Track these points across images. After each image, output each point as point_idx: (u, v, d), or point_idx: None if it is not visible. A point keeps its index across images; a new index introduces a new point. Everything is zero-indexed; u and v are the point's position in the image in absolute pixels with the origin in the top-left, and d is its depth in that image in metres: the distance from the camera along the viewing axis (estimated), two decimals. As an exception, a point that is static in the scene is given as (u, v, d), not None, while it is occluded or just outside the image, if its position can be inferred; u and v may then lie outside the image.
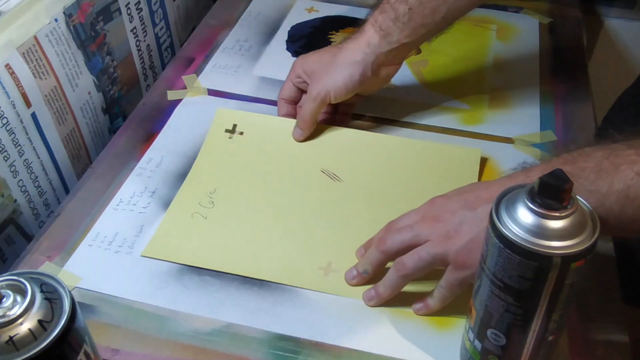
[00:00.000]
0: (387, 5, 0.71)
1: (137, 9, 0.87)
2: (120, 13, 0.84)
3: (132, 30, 0.87)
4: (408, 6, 0.69)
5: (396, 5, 0.70)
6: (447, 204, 0.56)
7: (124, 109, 0.87)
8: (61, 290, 0.41)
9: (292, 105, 0.78)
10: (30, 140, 0.69)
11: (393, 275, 0.57)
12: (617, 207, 0.48)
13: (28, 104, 0.68)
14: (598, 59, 0.91)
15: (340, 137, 0.76)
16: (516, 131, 0.77)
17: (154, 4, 0.91)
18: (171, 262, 0.63)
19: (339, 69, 0.72)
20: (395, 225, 0.59)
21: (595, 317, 0.58)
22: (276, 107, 0.79)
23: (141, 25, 0.89)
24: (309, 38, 0.94)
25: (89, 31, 0.77)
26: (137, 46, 0.89)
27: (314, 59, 0.74)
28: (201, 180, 0.71)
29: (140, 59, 0.90)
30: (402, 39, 0.71)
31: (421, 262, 0.55)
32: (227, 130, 0.76)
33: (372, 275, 0.59)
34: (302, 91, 0.77)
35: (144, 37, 0.90)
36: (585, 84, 0.85)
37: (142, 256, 0.63)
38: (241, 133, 0.76)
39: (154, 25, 0.93)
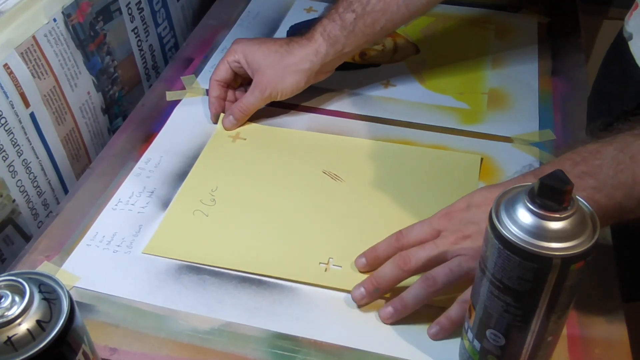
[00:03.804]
0: (335, 14, 0.74)
1: (138, 9, 0.87)
2: (121, 13, 0.84)
3: (133, 30, 0.87)
4: (354, 15, 0.73)
5: (344, 14, 0.74)
6: (468, 217, 0.55)
7: (125, 109, 0.87)
8: (59, 290, 0.41)
9: (225, 88, 0.79)
10: (29, 140, 0.69)
11: (419, 291, 0.55)
12: None
13: (27, 104, 0.68)
14: (596, 58, 0.91)
15: (343, 145, 0.76)
16: (515, 130, 0.77)
17: (156, 4, 0.91)
18: (172, 259, 0.63)
19: (287, 74, 0.75)
20: (407, 239, 0.57)
21: (594, 316, 0.58)
22: (275, 108, 0.80)
23: (143, 25, 0.89)
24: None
25: (88, 31, 0.77)
26: (138, 46, 0.89)
27: (260, 54, 0.76)
28: (203, 178, 0.71)
29: (142, 59, 0.90)
30: (346, 48, 0.75)
31: (452, 276, 0.54)
32: (230, 136, 0.77)
33: (383, 294, 0.58)
34: (236, 74, 0.79)
35: (146, 37, 0.90)
36: (584, 84, 0.85)
37: (143, 253, 0.63)
38: (244, 139, 0.77)
39: (157, 25, 0.93)
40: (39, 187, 0.71)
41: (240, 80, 0.81)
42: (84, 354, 0.43)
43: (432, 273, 0.54)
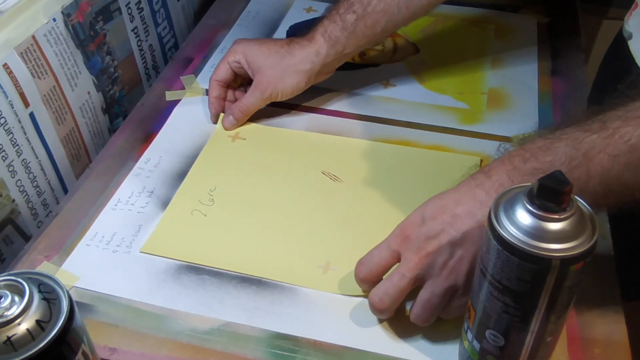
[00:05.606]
0: (336, 15, 0.75)
1: (137, 9, 0.87)
2: (121, 13, 0.84)
3: (133, 30, 0.87)
4: (355, 16, 0.73)
5: (344, 15, 0.74)
6: (424, 232, 0.53)
7: (126, 109, 0.87)
8: (59, 290, 0.41)
9: (225, 88, 0.79)
10: (29, 140, 0.69)
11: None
12: (600, 187, 0.48)
13: (26, 103, 0.68)
14: (596, 58, 0.91)
15: (342, 145, 0.76)
16: (514, 130, 0.77)
17: (156, 4, 0.91)
18: (170, 258, 0.63)
19: (288, 75, 0.75)
20: (370, 269, 0.56)
21: (594, 315, 0.58)
22: (274, 108, 0.80)
23: (142, 25, 0.89)
24: (308, 38, 0.94)
25: (87, 31, 0.77)
26: (138, 46, 0.89)
27: (260, 54, 0.76)
28: (202, 178, 0.71)
29: (142, 59, 0.90)
30: (346, 49, 0.75)
31: (432, 307, 0.53)
32: (229, 136, 0.77)
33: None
34: (236, 75, 0.79)
35: (146, 37, 0.90)
36: (584, 84, 0.85)
37: (141, 252, 0.63)
38: (244, 139, 0.77)
39: (156, 25, 0.93)
40: (38, 187, 0.71)
41: (240, 80, 0.81)
42: (84, 353, 0.43)
43: (415, 313, 0.54)
